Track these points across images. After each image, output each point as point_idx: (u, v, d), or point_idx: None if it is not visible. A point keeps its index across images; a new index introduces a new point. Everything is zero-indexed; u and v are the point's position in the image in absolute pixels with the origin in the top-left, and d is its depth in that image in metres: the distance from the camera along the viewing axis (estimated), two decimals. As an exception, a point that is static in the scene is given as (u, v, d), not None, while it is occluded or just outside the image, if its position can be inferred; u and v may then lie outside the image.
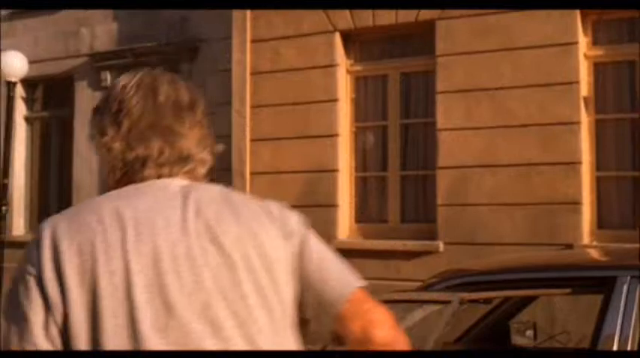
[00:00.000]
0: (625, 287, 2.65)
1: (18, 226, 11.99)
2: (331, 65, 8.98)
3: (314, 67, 9.03)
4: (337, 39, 8.98)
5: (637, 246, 4.52)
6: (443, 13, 8.32)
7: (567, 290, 2.78)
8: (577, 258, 3.64)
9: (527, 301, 4.11)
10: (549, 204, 7.90)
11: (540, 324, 4.34)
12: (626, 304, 2.64)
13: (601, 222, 7.92)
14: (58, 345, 1.48)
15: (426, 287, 2.90)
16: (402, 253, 8.54)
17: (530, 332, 4.16)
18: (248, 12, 9.37)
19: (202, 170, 1.78)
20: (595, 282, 2.75)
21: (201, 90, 1.87)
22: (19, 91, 11.77)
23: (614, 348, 2.63)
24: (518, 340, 4.09)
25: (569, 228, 7.81)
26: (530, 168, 7.94)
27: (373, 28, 8.75)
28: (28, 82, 11.81)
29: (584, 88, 7.89)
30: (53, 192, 11.99)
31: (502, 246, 7.87)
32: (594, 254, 4.37)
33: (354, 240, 8.92)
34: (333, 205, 8.94)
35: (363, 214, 9.06)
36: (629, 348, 2.62)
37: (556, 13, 7.79)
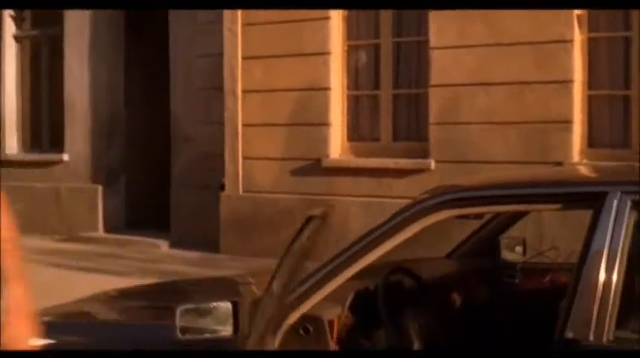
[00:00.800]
0: (615, 203, 2.62)
1: (11, 146, 11.90)
2: (323, -18, 8.81)
3: (306, -16, 8.85)
4: (329, -45, 8.79)
5: (627, 163, 4.49)
6: None
7: (557, 206, 2.75)
8: (567, 175, 3.60)
9: (517, 217, 4.11)
10: (541, 123, 7.87)
11: (530, 240, 4.29)
12: (615, 219, 2.61)
13: (592, 140, 7.90)
14: None
15: (417, 204, 2.87)
16: (394, 171, 8.53)
17: (519, 248, 4.14)
18: None
19: None
20: (585, 198, 2.71)
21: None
22: (8, 10, 11.53)
23: (602, 264, 2.60)
24: (507, 255, 4.08)
25: (560, 147, 7.80)
26: (523, 87, 7.88)
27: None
28: (17, 0, 11.54)
29: (579, 5, 7.76)
30: (45, 111, 11.85)
31: (494, 164, 7.87)
32: (584, 170, 4.33)
33: (346, 159, 8.90)
34: (325, 124, 8.88)
35: (355, 133, 9.02)
36: (617, 264, 2.59)
37: None
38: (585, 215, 2.75)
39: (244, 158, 9.31)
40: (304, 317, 2.87)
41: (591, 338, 2.49)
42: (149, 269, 8.48)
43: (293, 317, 2.86)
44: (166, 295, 4.17)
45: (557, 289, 3.65)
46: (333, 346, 3.01)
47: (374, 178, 8.59)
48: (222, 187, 9.40)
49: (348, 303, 3.14)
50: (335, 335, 3.05)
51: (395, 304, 3.28)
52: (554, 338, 2.56)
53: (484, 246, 4.15)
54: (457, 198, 2.84)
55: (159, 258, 9.46)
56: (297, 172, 9.01)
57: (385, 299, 3.23)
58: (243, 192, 9.32)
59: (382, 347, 3.22)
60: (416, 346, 3.23)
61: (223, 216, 9.40)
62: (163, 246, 10.10)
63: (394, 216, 2.88)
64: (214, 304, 2.70)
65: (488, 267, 4.03)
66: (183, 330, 2.75)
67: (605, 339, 2.50)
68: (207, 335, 2.72)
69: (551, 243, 4.45)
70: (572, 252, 3.65)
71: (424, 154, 8.45)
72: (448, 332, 3.51)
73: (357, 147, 8.95)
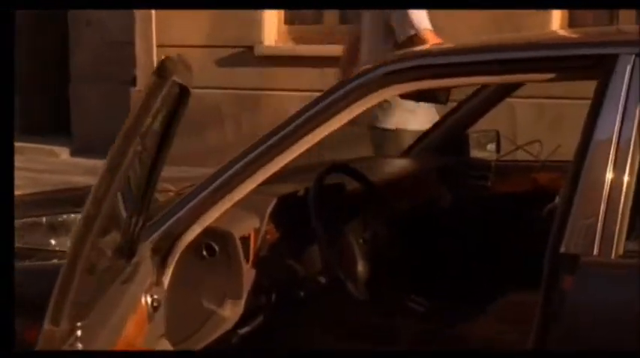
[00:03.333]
0: (629, 69, 2.16)
1: None
2: None
3: None
4: None
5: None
6: None
7: (551, 75, 2.28)
8: (565, 35, 3.15)
9: (488, 103, 3.82)
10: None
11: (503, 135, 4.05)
12: (628, 93, 2.17)
13: (573, 19, 7.73)
14: None
15: (358, 76, 2.41)
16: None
17: (492, 145, 3.92)
18: None
19: None
20: (588, 63, 2.25)
21: None
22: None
23: (611, 155, 2.16)
24: (477, 153, 3.85)
25: (537, 28, 7.49)
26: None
27: None
28: None
29: None
30: None
31: (459, 49, 7.54)
32: (586, 31, 3.96)
33: (284, 46, 8.68)
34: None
35: (294, 14, 8.74)
36: (629, 156, 2.16)
37: None
38: (565, 106, 2.30)
39: (159, 46, 8.95)
40: (208, 233, 2.47)
41: (596, 252, 2.13)
42: (46, 182, 8.19)
43: (191, 234, 2.42)
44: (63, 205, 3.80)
45: (541, 192, 3.42)
46: (248, 270, 2.64)
47: (317, 69, 8.24)
48: (133, 82, 9.14)
49: (269, 213, 2.77)
50: (252, 255, 2.68)
51: (332, 213, 2.90)
52: (543, 254, 2.19)
53: (448, 141, 3.87)
54: (414, 67, 2.39)
55: (58, 168, 9.28)
56: (224, 62, 8.73)
57: (320, 207, 2.84)
58: (160, 86, 8.99)
59: (315, 270, 2.83)
60: (360, 268, 2.84)
61: (136, 117, 9.07)
62: (63, 153, 9.95)
63: (327, 94, 2.44)
64: (65, 217, 2.22)
65: (454, 166, 3.79)
66: (25, 253, 2.29)
67: (613, 254, 2.14)
68: (56, 261, 2.24)
69: (529, 137, 4.11)
70: (558, 146, 3.61)
71: (377, 39, 8.09)
72: (402, 249, 3.18)
73: (296, 32, 8.68)
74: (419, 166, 3.72)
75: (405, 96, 2.90)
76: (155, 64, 8.24)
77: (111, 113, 9.32)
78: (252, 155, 2.42)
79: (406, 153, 3.87)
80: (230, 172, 2.43)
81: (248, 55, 8.58)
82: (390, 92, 2.41)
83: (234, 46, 8.63)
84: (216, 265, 2.54)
